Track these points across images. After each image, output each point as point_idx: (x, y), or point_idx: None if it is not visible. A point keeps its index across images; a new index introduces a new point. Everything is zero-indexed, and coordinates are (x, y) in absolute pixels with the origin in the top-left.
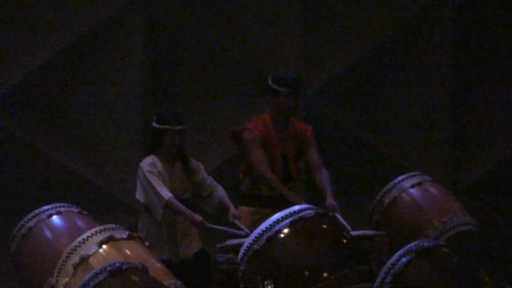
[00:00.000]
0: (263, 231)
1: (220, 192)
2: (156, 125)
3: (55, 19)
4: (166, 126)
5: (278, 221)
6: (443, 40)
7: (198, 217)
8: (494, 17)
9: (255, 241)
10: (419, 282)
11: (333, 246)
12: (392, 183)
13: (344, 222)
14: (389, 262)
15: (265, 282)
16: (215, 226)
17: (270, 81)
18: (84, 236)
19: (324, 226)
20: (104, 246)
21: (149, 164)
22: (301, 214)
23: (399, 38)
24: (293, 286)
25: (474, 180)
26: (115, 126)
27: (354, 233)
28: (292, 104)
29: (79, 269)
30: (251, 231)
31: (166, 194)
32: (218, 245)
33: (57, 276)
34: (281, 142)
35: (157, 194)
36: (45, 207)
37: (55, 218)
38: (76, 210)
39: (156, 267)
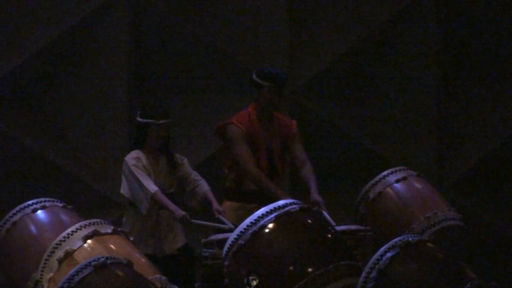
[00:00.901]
0: (248, 226)
1: (204, 186)
2: (140, 120)
3: (40, 13)
4: (150, 120)
5: (263, 216)
6: (428, 34)
7: (182, 212)
8: (478, 10)
9: (240, 236)
10: (404, 277)
11: (318, 241)
12: (377, 178)
13: (329, 218)
14: (374, 257)
15: (250, 277)
16: (199, 221)
17: (254, 75)
18: (69, 231)
19: (309, 221)
20: (89, 241)
21: (134, 158)
22: (286, 209)
23: (384, 33)
24: (278, 281)
25: (459, 175)
26: (100, 120)
27: (339, 228)
28: (276, 99)
29: (64, 264)
30: (236, 226)
31: (152, 187)
32: (203, 240)
33: (41, 271)
34: (266, 137)
35: (143, 187)
36: (30, 202)
37: (39, 213)
38: (60, 204)
39: (140, 262)
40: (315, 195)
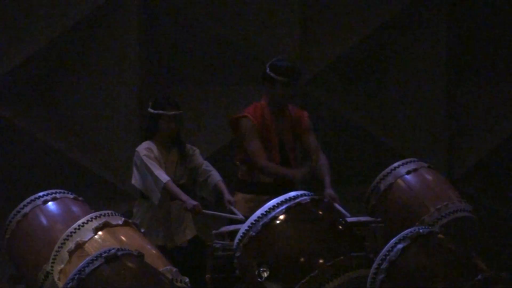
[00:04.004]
0: (259, 217)
1: (215, 177)
2: (152, 111)
3: (51, 5)
4: (161, 111)
5: (274, 207)
6: (439, 26)
7: (193, 202)
8: (489, 3)
9: (251, 227)
10: (415, 268)
11: (329, 233)
12: (388, 169)
13: (342, 210)
14: (385, 248)
15: (261, 269)
16: (211, 212)
17: (267, 69)
18: (80, 222)
19: (320, 212)
20: (100, 233)
21: (145, 148)
22: (297, 200)
23: (396, 25)
24: (289, 272)
25: (469, 166)
26: (111, 112)
27: (349, 219)
28: (289, 93)
29: (75, 255)
30: (246, 217)
31: (164, 177)
32: (214, 232)
33: (52, 263)
34: (279, 130)
35: (155, 177)
36: (41, 193)
37: (50, 205)
38: (71, 196)
39: (151, 253)
40: (329, 190)
